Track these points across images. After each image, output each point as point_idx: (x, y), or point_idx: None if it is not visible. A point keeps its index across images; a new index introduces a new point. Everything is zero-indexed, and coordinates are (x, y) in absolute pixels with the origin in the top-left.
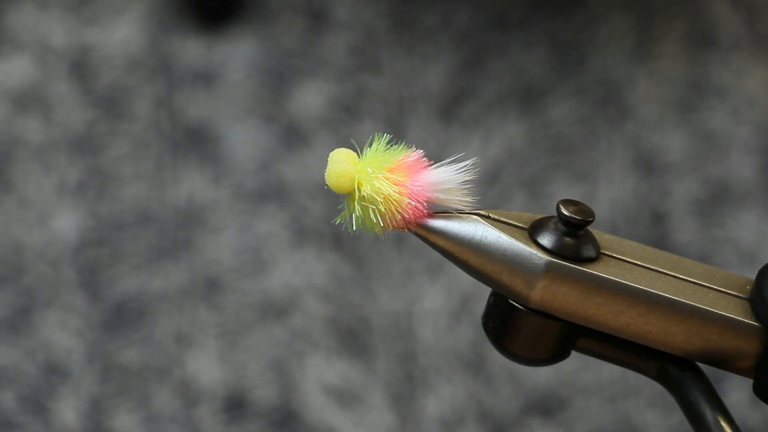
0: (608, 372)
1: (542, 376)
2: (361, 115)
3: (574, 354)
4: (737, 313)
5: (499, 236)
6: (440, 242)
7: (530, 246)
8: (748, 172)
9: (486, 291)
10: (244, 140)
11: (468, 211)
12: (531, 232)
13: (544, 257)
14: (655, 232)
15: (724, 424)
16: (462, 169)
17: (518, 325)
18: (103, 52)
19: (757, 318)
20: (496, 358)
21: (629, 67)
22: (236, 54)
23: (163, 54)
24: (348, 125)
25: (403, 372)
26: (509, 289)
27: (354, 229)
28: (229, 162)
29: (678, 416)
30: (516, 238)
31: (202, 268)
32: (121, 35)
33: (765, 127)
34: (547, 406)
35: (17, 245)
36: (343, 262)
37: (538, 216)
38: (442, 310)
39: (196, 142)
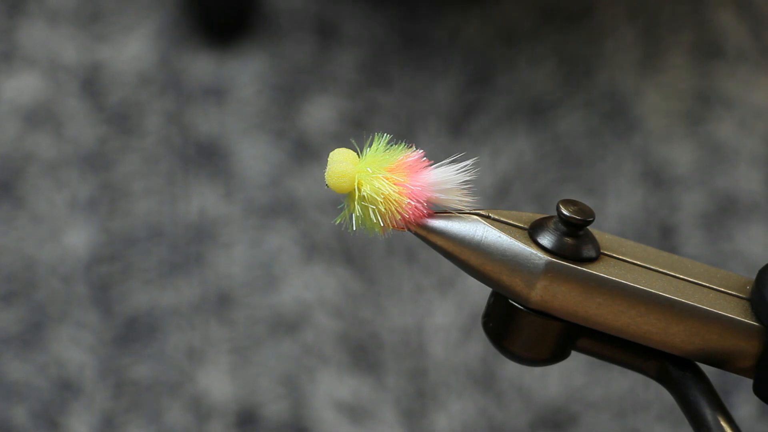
0: (617, 386)
1: (552, 391)
2: (371, 130)
3: (583, 369)
4: (737, 313)
5: (499, 236)
6: (440, 242)
7: (530, 246)
8: (756, 184)
9: None
10: (254, 155)
11: (468, 211)
12: (531, 232)
13: (544, 257)
14: (664, 245)
15: (724, 423)
16: (462, 169)
17: (518, 325)
18: (114, 68)
19: (757, 318)
20: (506, 373)
21: (636, 79)
22: (246, 70)
23: (173, 70)
24: (358, 140)
25: (414, 388)
26: (509, 289)
27: (354, 228)
28: (240, 177)
29: (687, 430)
30: (516, 238)
31: (214, 283)
32: (132, 51)
33: None
34: (556, 421)
35: (29, 261)
36: (353, 277)
37: (539, 216)
38: (452, 325)
39: (207, 158)
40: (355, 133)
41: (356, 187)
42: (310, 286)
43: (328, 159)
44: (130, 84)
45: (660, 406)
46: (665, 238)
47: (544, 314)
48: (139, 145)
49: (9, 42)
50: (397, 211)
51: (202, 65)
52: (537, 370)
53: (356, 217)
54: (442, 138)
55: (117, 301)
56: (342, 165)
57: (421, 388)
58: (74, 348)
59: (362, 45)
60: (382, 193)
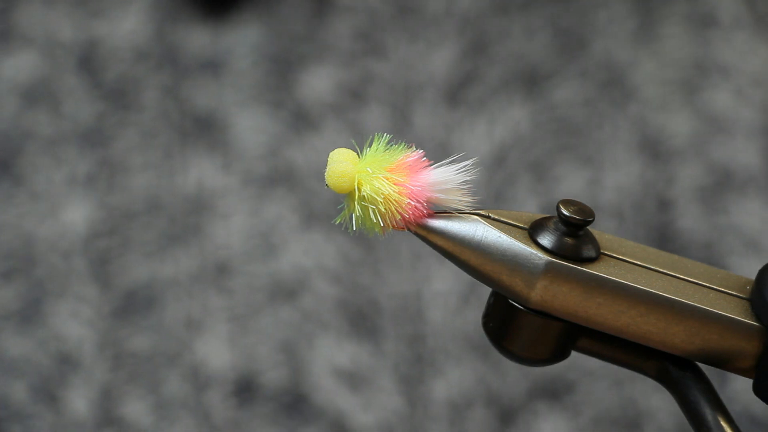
0: None
1: None
2: (367, 100)
3: None
4: (737, 313)
5: (499, 236)
6: (440, 242)
7: (530, 246)
8: (752, 157)
9: None
10: (252, 127)
11: (468, 211)
12: (531, 232)
13: (544, 257)
14: (661, 218)
15: (724, 424)
16: (462, 169)
17: (518, 325)
18: (111, 44)
19: (757, 318)
20: None
21: (631, 49)
22: (242, 41)
23: (169, 44)
24: (355, 110)
25: (413, 354)
26: (509, 289)
27: (354, 229)
28: (238, 148)
29: None
30: (516, 238)
31: (212, 254)
32: (128, 27)
33: None
34: (553, 389)
35: (28, 238)
36: (352, 244)
37: (539, 216)
38: (450, 291)
39: (204, 130)
40: (352, 103)
41: (356, 187)
42: (309, 253)
43: (328, 159)
44: (127, 59)
45: None
46: (662, 211)
47: (544, 314)
48: (136, 120)
49: (6, 21)
50: (397, 211)
51: (197, 38)
52: None
53: (356, 217)
54: (439, 108)
55: (116, 275)
56: (342, 165)
57: (419, 354)
58: (73, 322)
59: (357, 14)
60: (382, 193)
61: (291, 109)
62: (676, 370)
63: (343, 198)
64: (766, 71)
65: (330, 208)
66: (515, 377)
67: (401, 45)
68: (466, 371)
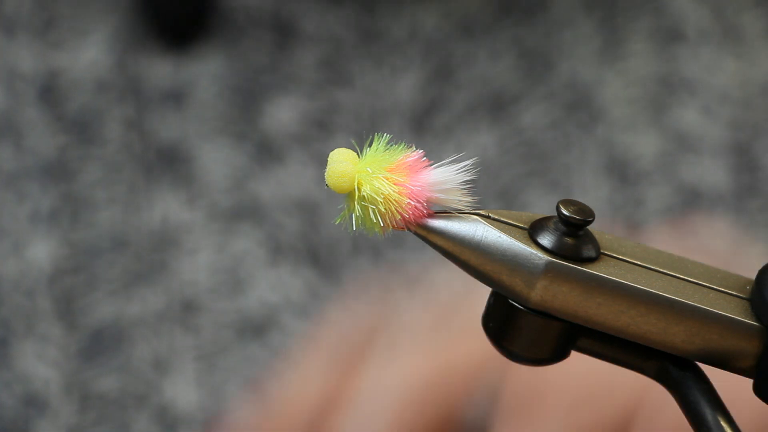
0: None
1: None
2: (333, 130)
3: None
4: (737, 313)
5: (499, 236)
6: (440, 242)
7: (530, 246)
8: (721, 175)
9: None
10: (216, 159)
11: (468, 211)
12: (531, 232)
13: (544, 257)
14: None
15: (724, 424)
16: (462, 169)
17: (518, 325)
18: (72, 75)
19: (757, 318)
20: None
21: (597, 68)
22: (205, 72)
23: (131, 75)
24: (320, 140)
25: None
26: (509, 289)
27: (354, 229)
28: (203, 182)
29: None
30: (516, 238)
31: (178, 291)
32: (88, 57)
33: (736, 124)
34: None
35: None
36: (319, 278)
37: (539, 216)
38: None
39: (169, 163)
40: (318, 133)
41: (356, 187)
42: (276, 288)
43: (328, 159)
44: (88, 91)
45: None
46: (631, 235)
47: (544, 314)
48: (99, 154)
49: None
50: (397, 211)
51: (159, 69)
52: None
53: (356, 217)
54: (405, 135)
55: (81, 314)
56: (342, 165)
57: None
58: (39, 363)
59: (320, 42)
60: (382, 193)
61: (255, 140)
62: (676, 370)
63: (343, 198)
64: (732, 86)
65: (297, 241)
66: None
67: (366, 72)
68: None
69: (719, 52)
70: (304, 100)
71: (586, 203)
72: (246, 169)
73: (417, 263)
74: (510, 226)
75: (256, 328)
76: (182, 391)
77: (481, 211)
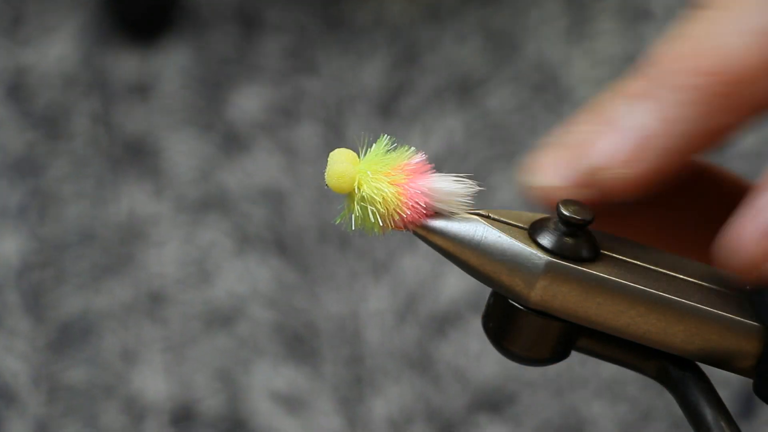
0: (554, 365)
1: (488, 371)
2: (299, 118)
3: None
4: (737, 313)
5: (499, 236)
6: (440, 242)
7: (530, 246)
8: None
9: (424, 290)
10: (182, 150)
11: (467, 211)
12: (531, 232)
13: (544, 257)
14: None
15: (724, 424)
16: (462, 177)
17: (518, 325)
18: (39, 71)
19: (758, 318)
20: (441, 356)
21: (564, 48)
22: (170, 64)
23: (97, 69)
24: (287, 128)
25: (351, 375)
26: (509, 289)
27: (353, 228)
28: (169, 174)
29: (625, 406)
30: (516, 238)
31: (146, 283)
32: (55, 53)
33: None
34: (494, 401)
35: None
36: (287, 267)
37: (539, 216)
38: (387, 310)
39: (135, 156)
40: (284, 121)
41: (356, 187)
42: (243, 278)
43: (328, 159)
44: (56, 86)
45: (597, 383)
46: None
47: (544, 314)
48: (67, 149)
49: None
50: (397, 212)
51: (125, 63)
52: (473, 352)
53: (356, 217)
54: (372, 121)
55: (50, 307)
56: (342, 165)
57: (358, 374)
58: (8, 356)
59: (285, 31)
60: (381, 194)
61: (221, 130)
62: (676, 370)
63: (343, 198)
64: None
65: (264, 232)
66: (455, 391)
67: (332, 59)
68: (405, 388)
69: None
70: (270, 88)
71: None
72: (212, 160)
73: (383, 250)
74: (510, 226)
75: (224, 319)
76: (150, 382)
77: (480, 211)
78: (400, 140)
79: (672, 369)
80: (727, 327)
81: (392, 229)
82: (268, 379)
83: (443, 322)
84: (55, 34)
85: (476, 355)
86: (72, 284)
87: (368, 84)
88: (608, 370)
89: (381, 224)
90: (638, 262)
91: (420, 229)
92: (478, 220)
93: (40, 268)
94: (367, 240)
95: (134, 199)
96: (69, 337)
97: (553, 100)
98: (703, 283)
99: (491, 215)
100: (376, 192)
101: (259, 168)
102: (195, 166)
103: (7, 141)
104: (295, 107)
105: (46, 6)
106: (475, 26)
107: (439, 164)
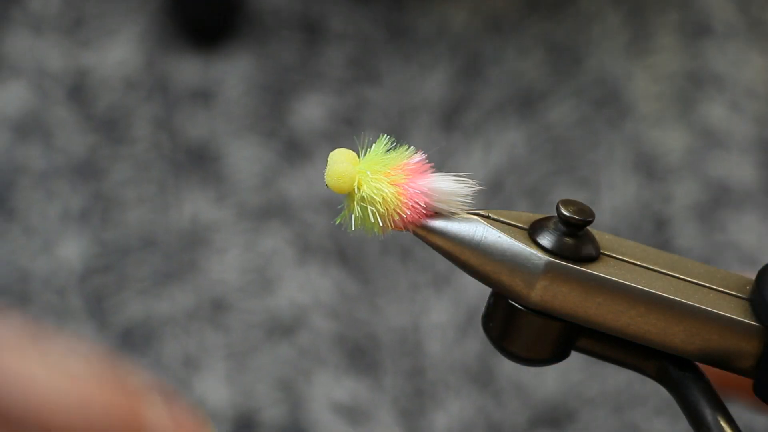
0: (614, 382)
1: (549, 388)
2: (362, 127)
3: (579, 366)
4: (737, 313)
5: (499, 236)
6: (440, 242)
7: (530, 246)
8: (748, 171)
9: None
10: (245, 157)
11: (468, 211)
12: (531, 232)
13: (544, 257)
14: (658, 238)
15: (723, 424)
16: (463, 177)
17: (518, 325)
18: (100, 73)
19: (757, 318)
20: (503, 371)
21: (625, 63)
22: (233, 71)
23: (159, 73)
24: (349, 138)
25: (412, 387)
26: (509, 289)
27: (353, 228)
28: (231, 180)
29: (685, 424)
30: (516, 238)
31: (208, 290)
32: (117, 56)
33: (763, 120)
34: (554, 418)
35: (23, 274)
36: (348, 277)
37: (538, 216)
38: (449, 323)
39: (198, 162)
40: (347, 130)
41: (356, 187)
42: (305, 287)
43: (328, 159)
44: (117, 89)
45: (657, 400)
46: (659, 231)
47: (544, 314)
48: (129, 153)
49: None
50: (397, 212)
51: (188, 67)
52: (533, 368)
53: (356, 217)
54: (434, 132)
55: (112, 313)
56: (342, 165)
57: (418, 387)
58: None
59: (349, 40)
60: (381, 194)
61: (284, 138)
62: (676, 370)
63: (343, 198)
64: (760, 81)
65: (326, 241)
66: (515, 407)
67: (395, 69)
68: (466, 402)
69: (746, 46)
70: (333, 97)
71: (613, 200)
72: (274, 167)
73: (445, 262)
74: (510, 226)
75: (286, 328)
76: (213, 389)
77: (480, 212)
78: (461, 153)
79: (672, 369)
80: (727, 327)
81: (392, 229)
82: (329, 389)
83: None
84: (116, 36)
85: (537, 371)
86: (134, 289)
87: (430, 95)
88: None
89: (381, 224)
90: (638, 262)
91: (420, 229)
92: (478, 220)
93: (102, 273)
94: (428, 252)
95: (196, 205)
96: (131, 343)
97: (614, 114)
98: (703, 283)
99: (491, 215)
100: (375, 192)
101: (321, 177)
102: (257, 173)
103: (69, 144)
104: (358, 116)
105: (108, 8)
106: (537, 39)
107: (501, 178)
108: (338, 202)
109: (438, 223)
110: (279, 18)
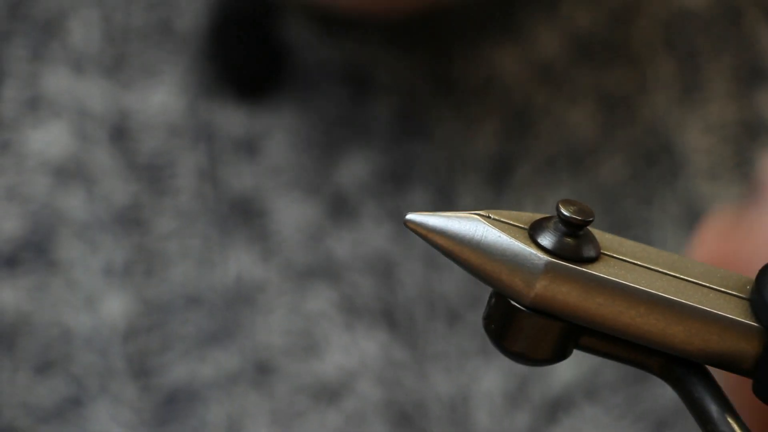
0: None
1: None
2: (410, 184)
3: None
4: (737, 313)
5: (499, 236)
6: (440, 241)
7: (530, 246)
8: None
9: (536, 373)
10: (290, 213)
11: (468, 211)
12: (531, 233)
13: (544, 257)
14: None
15: (730, 420)
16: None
17: (519, 325)
18: (143, 117)
19: (757, 318)
20: None
21: (678, 114)
22: (278, 123)
23: (203, 120)
24: (396, 195)
25: None
26: (509, 289)
27: None
28: (277, 237)
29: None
30: (516, 238)
31: (252, 352)
32: (160, 99)
33: None
34: None
35: (65, 330)
36: (396, 342)
37: (539, 216)
38: (498, 392)
39: (242, 216)
40: (393, 187)
41: None
42: (351, 352)
43: None
44: (160, 135)
45: None
46: None
47: (544, 314)
48: (172, 203)
49: (33, 88)
50: None
51: (232, 116)
52: None
53: None
54: (484, 189)
55: (155, 374)
56: None
57: None
58: (113, 424)
59: (395, 93)
60: None
61: (329, 194)
62: (680, 368)
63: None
64: None
65: (372, 303)
66: None
67: (442, 123)
68: None
69: None
70: (379, 153)
71: None
72: (320, 224)
73: None
74: (510, 226)
75: (332, 393)
76: None
77: (480, 211)
78: (512, 210)
79: (675, 366)
80: (727, 327)
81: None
82: None
83: (556, 408)
84: (158, 78)
85: None
86: (177, 351)
87: (479, 150)
88: None
89: None
90: (638, 262)
91: (420, 228)
92: (479, 220)
93: (146, 333)
94: (478, 317)
95: (241, 261)
96: (174, 407)
97: (666, 168)
98: (703, 283)
99: (491, 215)
100: None
101: (368, 236)
102: (302, 229)
103: (112, 191)
104: (405, 173)
105: (149, 48)
106: (588, 88)
107: None
108: (385, 262)
109: (438, 222)
110: (325, 70)
